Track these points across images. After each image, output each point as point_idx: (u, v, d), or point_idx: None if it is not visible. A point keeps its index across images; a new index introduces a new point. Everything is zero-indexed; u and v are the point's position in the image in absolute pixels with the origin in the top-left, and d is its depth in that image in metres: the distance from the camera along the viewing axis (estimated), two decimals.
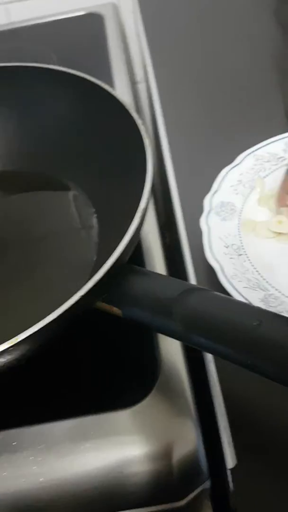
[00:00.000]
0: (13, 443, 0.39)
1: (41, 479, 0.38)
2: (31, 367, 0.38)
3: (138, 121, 0.46)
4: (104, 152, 0.52)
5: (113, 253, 0.36)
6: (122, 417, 0.39)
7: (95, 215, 0.53)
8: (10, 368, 0.35)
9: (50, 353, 0.38)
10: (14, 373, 0.36)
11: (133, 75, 0.90)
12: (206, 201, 0.49)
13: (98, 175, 0.54)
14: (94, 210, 0.54)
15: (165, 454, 0.38)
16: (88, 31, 0.84)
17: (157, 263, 0.49)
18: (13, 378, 0.38)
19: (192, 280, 0.47)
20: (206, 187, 0.51)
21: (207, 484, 0.39)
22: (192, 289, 0.33)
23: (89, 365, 0.43)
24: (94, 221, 0.53)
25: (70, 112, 0.56)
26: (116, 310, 0.37)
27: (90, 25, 0.85)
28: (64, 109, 0.56)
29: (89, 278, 0.47)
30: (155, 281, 0.36)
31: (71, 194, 0.56)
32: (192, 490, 0.39)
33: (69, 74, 0.55)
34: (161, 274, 0.36)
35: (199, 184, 0.52)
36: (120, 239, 0.38)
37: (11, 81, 0.58)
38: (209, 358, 0.42)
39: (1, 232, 0.56)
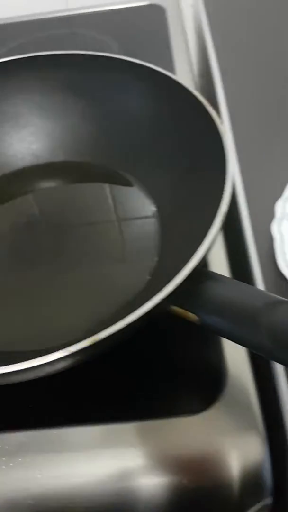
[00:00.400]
0: (73, 441, 0.38)
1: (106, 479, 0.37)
2: (98, 368, 0.37)
3: (216, 119, 0.45)
4: (174, 149, 0.51)
5: (193, 256, 0.35)
6: (185, 424, 0.38)
7: (156, 215, 0.52)
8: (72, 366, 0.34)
9: (117, 354, 0.37)
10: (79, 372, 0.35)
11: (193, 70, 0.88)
12: (278, 207, 0.48)
13: (164, 172, 0.52)
14: (156, 209, 0.53)
15: (229, 465, 0.37)
16: (149, 22, 0.82)
17: (221, 269, 0.48)
18: (78, 377, 0.38)
19: (260, 288, 0.45)
20: (276, 192, 0.50)
21: (268, 501, 0.38)
22: (281, 301, 0.32)
23: (154, 370, 0.42)
24: (155, 220, 0.52)
25: (140, 105, 0.55)
26: (192, 316, 0.35)
27: (151, 17, 0.83)
28: (134, 102, 0.55)
29: (150, 279, 0.47)
30: (237, 289, 0.35)
31: (132, 189, 0.55)
32: (253, 505, 0.38)
33: (142, 66, 0.54)
34: (242, 283, 0.35)
35: (269, 188, 0.50)
36: (192, 242, 0.37)
37: (81, 69, 0.57)
38: (279, 370, 0.40)
39: (60, 219, 0.55)
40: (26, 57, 0.59)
